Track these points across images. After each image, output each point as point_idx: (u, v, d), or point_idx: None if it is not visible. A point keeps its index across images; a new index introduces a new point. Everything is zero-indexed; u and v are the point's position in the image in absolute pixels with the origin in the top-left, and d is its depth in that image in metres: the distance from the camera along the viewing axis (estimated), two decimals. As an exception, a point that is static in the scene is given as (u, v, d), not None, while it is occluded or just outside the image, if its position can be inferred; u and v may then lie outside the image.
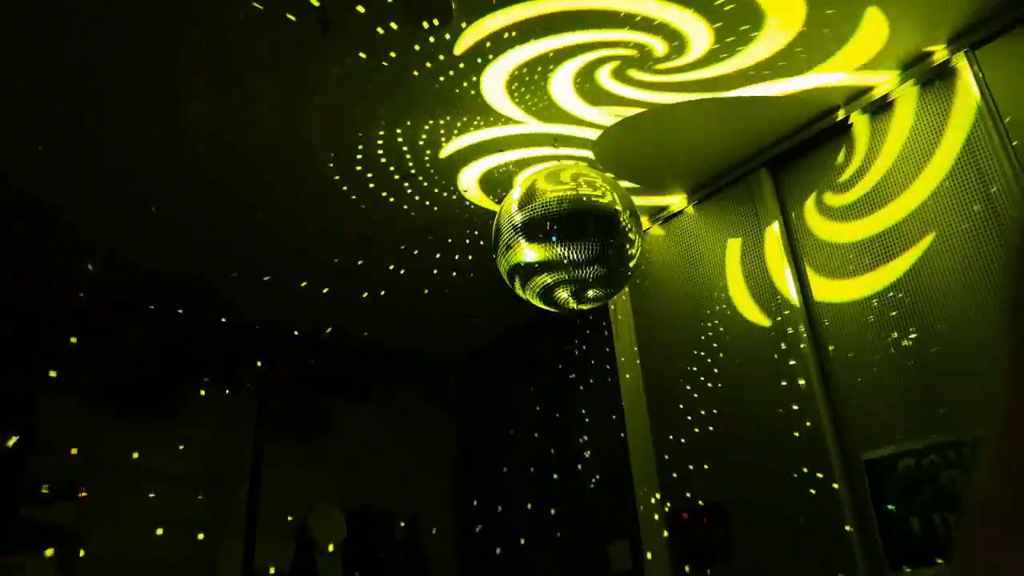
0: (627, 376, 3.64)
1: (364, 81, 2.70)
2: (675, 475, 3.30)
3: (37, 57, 2.50)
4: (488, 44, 2.56)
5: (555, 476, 4.41)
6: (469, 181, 3.35)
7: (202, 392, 4.31)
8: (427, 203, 3.47)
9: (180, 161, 3.09)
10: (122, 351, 4.11)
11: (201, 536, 4.10)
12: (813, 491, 2.77)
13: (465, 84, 2.74)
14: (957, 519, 2.34)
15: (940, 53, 2.72)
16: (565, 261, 2.65)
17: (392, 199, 3.42)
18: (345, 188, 3.33)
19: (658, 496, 3.33)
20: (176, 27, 2.42)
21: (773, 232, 3.16)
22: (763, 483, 2.95)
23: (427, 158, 3.16)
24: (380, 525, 4.68)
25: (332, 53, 2.56)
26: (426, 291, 4.30)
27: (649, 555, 3.30)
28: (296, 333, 4.72)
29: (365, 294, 4.28)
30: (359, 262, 3.92)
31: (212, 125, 2.90)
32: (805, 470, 2.81)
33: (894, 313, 2.70)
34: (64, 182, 3.18)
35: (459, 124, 2.97)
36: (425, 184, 3.33)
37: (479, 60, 2.63)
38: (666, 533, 3.26)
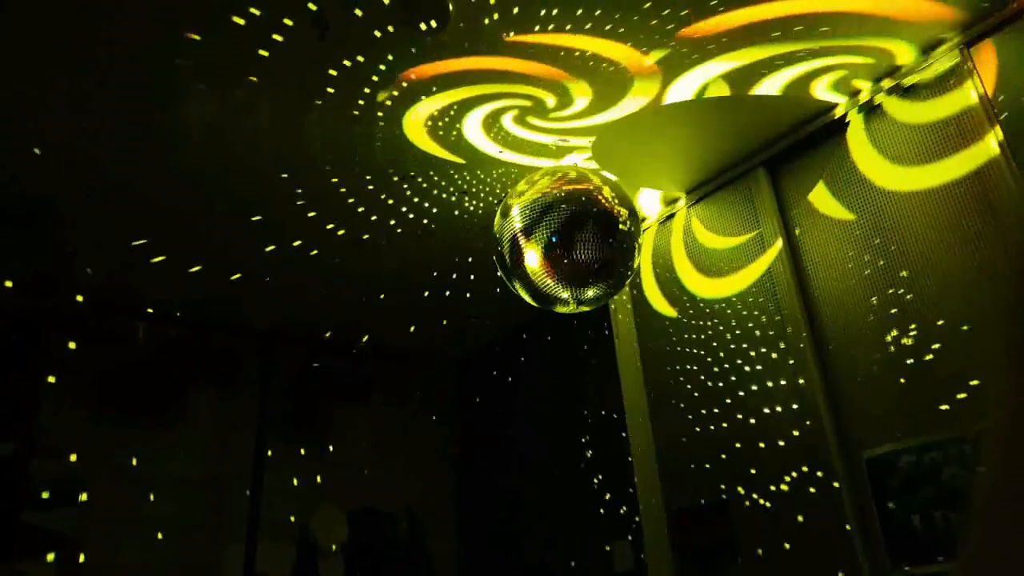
0: (627, 375, 3.65)
1: (362, 84, 2.70)
2: (677, 474, 3.30)
3: (36, 61, 2.50)
4: (486, 45, 2.57)
5: (556, 475, 4.41)
6: (468, 181, 3.35)
7: (203, 395, 4.31)
8: (426, 204, 3.47)
9: (179, 164, 3.09)
10: (122, 355, 4.11)
11: (203, 540, 4.10)
12: (814, 489, 2.77)
13: (465, 85, 2.74)
14: (963, 515, 2.35)
15: (937, 51, 2.72)
16: (565, 261, 2.66)
17: (391, 200, 3.43)
18: (343, 190, 3.33)
19: (660, 495, 3.33)
20: (175, 31, 2.42)
21: (771, 231, 3.16)
22: (764, 481, 2.95)
23: (427, 159, 3.16)
24: (382, 526, 4.68)
25: (330, 56, 2.57)
26: (426, 292, 4.30)
27: (651, 554, 3.30)
28: (296, 335, 4.72)
29: (365, 296, 4.28)
30: (358, 263, 3.92)
31: (211, 128, 2.90)
32: (806, 468, 2.82)
33: (894, 311, 2.70)
34: (64, 186, 3.18)
35: (458, 124, 2.97)
36: (424, 185, 3.34)
37: (479, 60, 2.63)
38: (668, 532, 3.26)
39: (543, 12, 2.43)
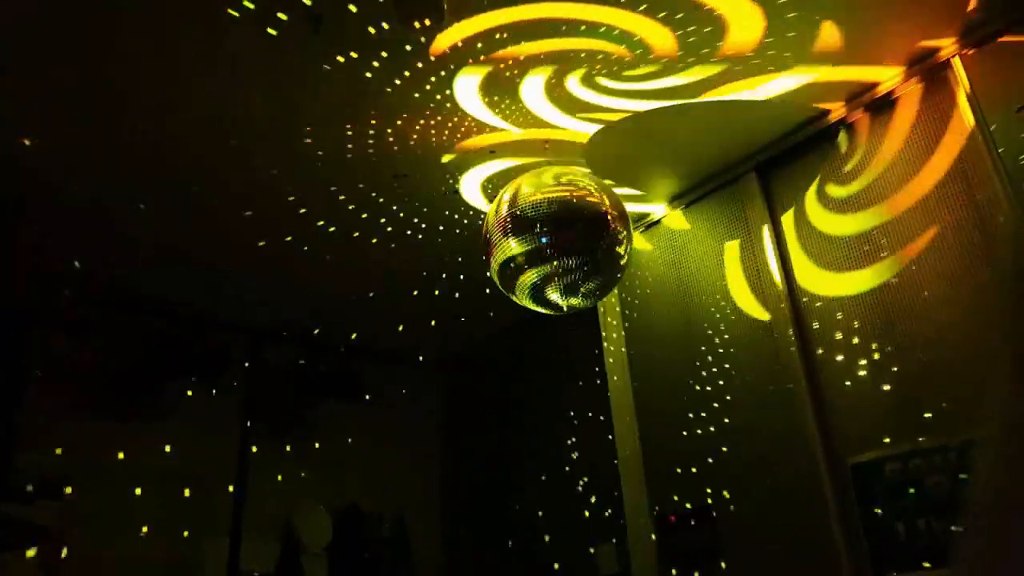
0: (615, 378, 3.64)
1: (355, 80, 2.69)
2: (662, 478, 3.30)
3: (30, 54, 2.48)
4: (479, 44, 2.56)
5: (542, 478, 4.41)
6: (459, 181, 3.34)
7: (188, 391, 4.28)
8: (416, 203, 3.46)
9: (169, 158, 3.07)
10: (108, 349, 4.08)
11: (186, 536, 4.07)
12: (799, 495, 2.77)
13: (458, 83, 2.74)
14: (946, 522, 2.36)
15: (927, 61, 2.74)
16: (554, 263, 2.65)
17: (382, 199, 3.42)
18: (334, 187, 3.32)
19: (645, 498, 3.33)
20: (169, 24, 2.40)
21: (762, 235, 3.17)
22: (750, 486, 2.95)
23: (417, 157, 3.15)
24: (367, 525, 4.66)
25: (323, 52, 2.55)
26: (415, 291, 4.29)
27: (636, 558, 3.30)
28: (284, 332, 4.70)
29: (354, 293, 4.27)
30: (348, 261, 3.91)
31: (202, 123, 2.89)
32: (791, 473, 2.82)
33: (881, 318, 2.71)
34: (52, 179, 3.16)
35: (450, 124, 2.96)
36: (415, 183, 3.33)
37: (471, 60, 2.63)
38: (653, 536, 3.26)
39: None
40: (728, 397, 3.13)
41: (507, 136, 3.07)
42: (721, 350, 3.22)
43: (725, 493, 3.04)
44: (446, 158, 3.17)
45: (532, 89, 2.80)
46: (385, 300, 4.38)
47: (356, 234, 3.68)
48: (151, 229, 3.54)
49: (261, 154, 3.09)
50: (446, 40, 2.53)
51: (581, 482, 4.12)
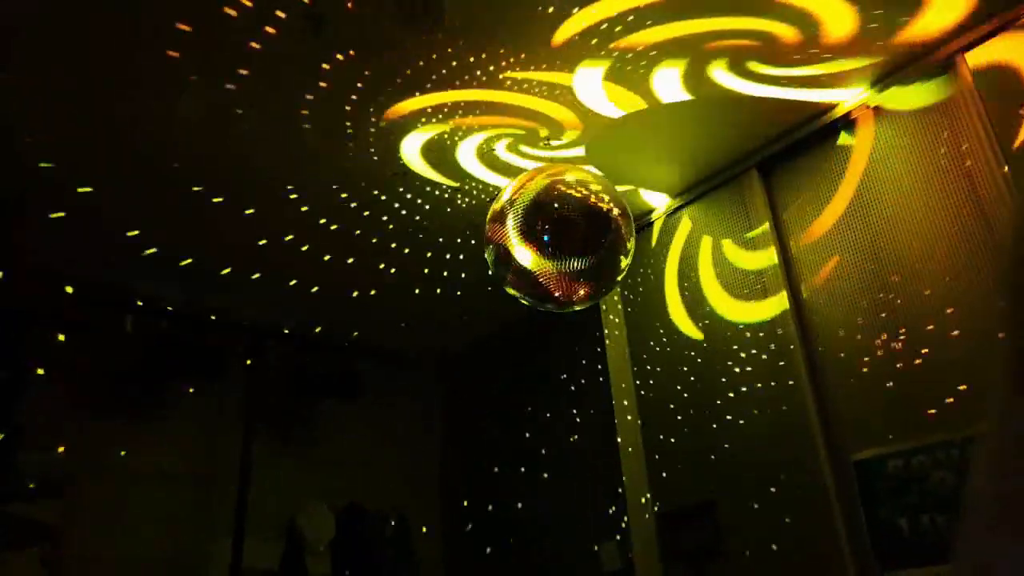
0: (617, 375, 3.65)
1: (355, 79, 2.68)
2: (665, 475, 3.30)
3: (24, 55, 2.48)
4: (481, 40, 2.56)
5: (545, 475, 4.41)
6: (460, 179, 3.34)
7: (190, 390, 4.28)
8: (418, 201, 3.46)
9: (171, 157, 3.07)
10: (110, 348, 4.07)
11: (189, 535, 4.07)
12: (802, 491, 2.77)
13: (457, 82, 2.73)
14: (951, 519, 2.35)
15: (931, 58, 2.73)
16: (556, 261, 2.65)
17: (383, 197, 3.41)
18: (335, 186, 3.31)
19: (648, 495, 3.33)
20: (168, 24, 2.40)
21: (763, 233, 3.16)
22: (752, 483, 2.95)
23: (419, 156, 3.15)
24: (369, 524, 4.66)
25: (324, 51, 2.55)
26: (416, 290, 4.29)
27: (639, 554, 3.30)
28: (285, 331, 4.70)
29: (355, 293, 4.27)
30: (349, 260, 3.90)
31: (203, 122, 2.88)
32: (794, 471, 2.82)
33: (883, 315, 2.71)
34: (51, 178, 3.15)
35: (451, 122, 2.96)
36: (416, 182, 3.32)
37: (472, 59, 2.62)
38: (656, 533, 3.26)
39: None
40: (730, 394, 3.13)
41: (510, 135, 3.06)
42: (723, 347, 3.22)
43: (728, 490, 3.04)
44: (446, 157, 3.17)
45: (538, 87, 2.80)
46: (385, 300, 4.38)
47: (357, 232, 3.67)
48: (151, 229, 3.53)
49: (261, 154, 3.08)
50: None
51: (582, 480, 4.12)
